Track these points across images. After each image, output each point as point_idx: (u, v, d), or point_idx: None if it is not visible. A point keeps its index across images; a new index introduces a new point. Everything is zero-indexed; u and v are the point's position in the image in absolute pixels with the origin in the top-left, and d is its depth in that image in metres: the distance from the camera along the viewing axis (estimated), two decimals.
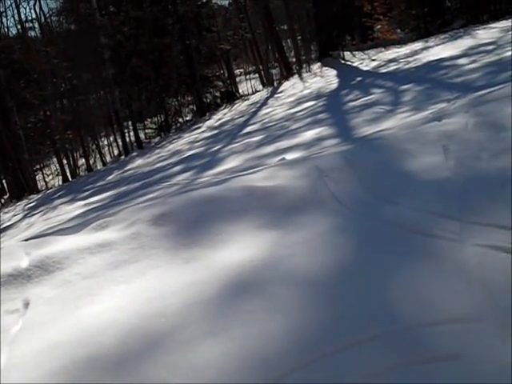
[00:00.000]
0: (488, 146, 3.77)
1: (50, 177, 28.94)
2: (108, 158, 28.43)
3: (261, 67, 28.78)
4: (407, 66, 13.78)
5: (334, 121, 9.28)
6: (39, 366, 2.24)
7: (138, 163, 16.04)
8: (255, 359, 2.05)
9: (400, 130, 5.01)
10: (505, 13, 19.51)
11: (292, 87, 19.81)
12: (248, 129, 13.01)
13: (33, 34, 31.48)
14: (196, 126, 20.66)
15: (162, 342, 2.26)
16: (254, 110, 17.53)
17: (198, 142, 14.70)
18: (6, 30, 42.55)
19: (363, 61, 19.37)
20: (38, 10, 40.97)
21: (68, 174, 25.74)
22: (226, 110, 22.22)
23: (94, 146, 29.59)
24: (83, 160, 28.57)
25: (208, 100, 26.68)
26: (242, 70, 38.85)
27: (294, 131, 9.34)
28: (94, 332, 2.42)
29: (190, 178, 7.98)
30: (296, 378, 1.94)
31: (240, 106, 21.31)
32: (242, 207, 3.60)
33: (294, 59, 27.25)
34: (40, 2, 43.51)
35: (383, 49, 20.87)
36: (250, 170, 5.27)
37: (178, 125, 25.93)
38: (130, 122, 25.63)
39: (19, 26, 28.39)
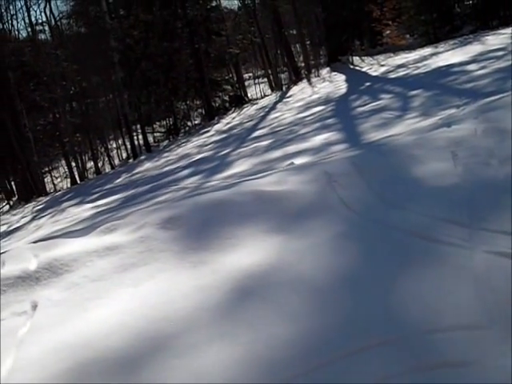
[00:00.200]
0: (497, 152, 3.75)
1: (59, 179, 29.06)
2: (116, 161, 28.50)
3: (270, 71, 28.83)
4: (416, 72, 13.76)
5: (342, 126, 9.27)
6: (46, 368, 2.25)
7: (147, 166, 16.08)
8: (262, 364, 2.05)
9: (409, 136, 5.00)
10: None
11: (301, 92, 19.81)
12: (257, 133, 13.02)
13: (43, 36, 31.55)
14: (205, 130, 20.70)
15: (169, 346, 2.26)
16: (262, 114, 17.55)
17: (207, 145, 14.72)
18: (17, 32, 42.86)
19: (372, 66, 19.36)
20: (48, 13, 41.06)
21: (76, 176, 25.82)
22: (234, 114, 22.26)
23: (103, 149, 29.69)
24: (92, 163, 28.66)
25: (217, 104, 26.76)
26: (250, 75, 38.92)
27: (303, 136, 9.34)
28: (102, 335, 2.42)
29: (199, 182, 7.98)
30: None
31: (249, 110, 21.34)
32: (251, 212, 3.59)
33: (302, 64, 27.26)
34: (50, 5, 43.74)
35: (392, 54, 20.86)
36: (259, 175, 5.27)
37: (187, 128, 26.00)
38: (138, 126, 25.69)
39: (29, 29, 28.55)
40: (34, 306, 2.88)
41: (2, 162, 23.22)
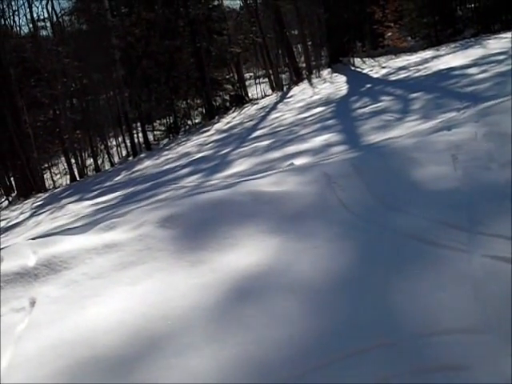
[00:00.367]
0: (497, 156, 3.76)
1: (58, 176, 29.01)
2: (116, 159, 28.44)
3: (271, 72, 28.77)
4: (417, 74, 13.76)
5: (342, 127, 9.27)
6: (44, 365, 2.25)
7: (146, 164, 16.06)
8: (258, 364, 2.06)
9: (409, 139, 5.00)
10: None
11: (301, 92, 19.81)
12: (257, 133, 13.00)
13: (44, 33, 31.56)
14: (205, 129, 20.70)
15: (166, 345, 2.27)
16: (263, 114, 17.54)
17: (207, 144, 14.70)
18: (18, 28, 42.93)
19: (373, 68, 19.37)
20: (50, 10, 41.39)
21: (76, 173, 25.76)
22: (235, 114, 22.25)
23: (103, 147, 29.62)
24: (91, 160, 28.60)
25: (217, 103, 26.75)
26: (251, 74, 38.91)
27: (303, 137, 9.33)
28: (100, 332, 2.43)
29: (198, 181, 7.98)
30: None
31: (249, 110, 21.33)
32: (250, 212, 3.60)
33: (304, 64, 27.27)
34: (52, 2, 43.73)
35: (393, 56, 20.88)
36: (259, 175, 5.27)
37: (187, 127, 25.98)
38: (138, 123, 25.63)
39: (31, 25, 28.53)
40: (33, 303, 2.89)
41: (1, 157, 23.19)
